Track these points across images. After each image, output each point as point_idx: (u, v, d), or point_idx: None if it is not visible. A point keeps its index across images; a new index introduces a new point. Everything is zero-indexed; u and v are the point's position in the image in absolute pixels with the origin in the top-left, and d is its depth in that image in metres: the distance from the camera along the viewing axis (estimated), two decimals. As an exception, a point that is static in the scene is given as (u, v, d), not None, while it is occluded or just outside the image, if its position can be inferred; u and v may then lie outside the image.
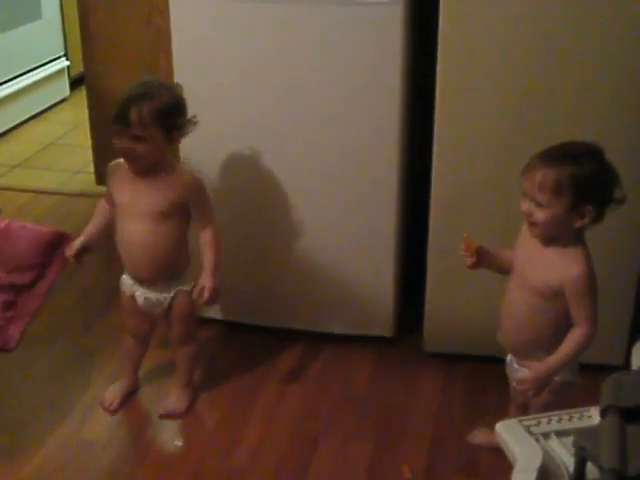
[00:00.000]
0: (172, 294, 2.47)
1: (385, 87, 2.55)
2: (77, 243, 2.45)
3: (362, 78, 2.55)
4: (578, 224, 2.00)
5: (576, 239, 2.04)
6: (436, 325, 2.77)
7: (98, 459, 2.41)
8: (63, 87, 5.25)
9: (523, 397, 2.21)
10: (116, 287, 3.20)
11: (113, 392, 2.62)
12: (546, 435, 1.64)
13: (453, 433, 2.50)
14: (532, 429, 1.65)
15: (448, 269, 2.67)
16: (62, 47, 5.19)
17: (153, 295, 2.48)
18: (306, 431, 2.52)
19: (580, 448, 1.44)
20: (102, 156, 3.85)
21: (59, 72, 5.19)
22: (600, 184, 1.98)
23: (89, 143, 3.89)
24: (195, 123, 2.41)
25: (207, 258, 2.42)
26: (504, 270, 2.21)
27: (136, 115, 2.28)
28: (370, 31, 2.50)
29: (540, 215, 2.00)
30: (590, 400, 1.74)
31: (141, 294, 2.49)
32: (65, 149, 4.61)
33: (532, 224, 2.04)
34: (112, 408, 2.58)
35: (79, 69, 4.70)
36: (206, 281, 2.39)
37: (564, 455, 1.58)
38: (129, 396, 2.64)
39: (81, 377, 2.75)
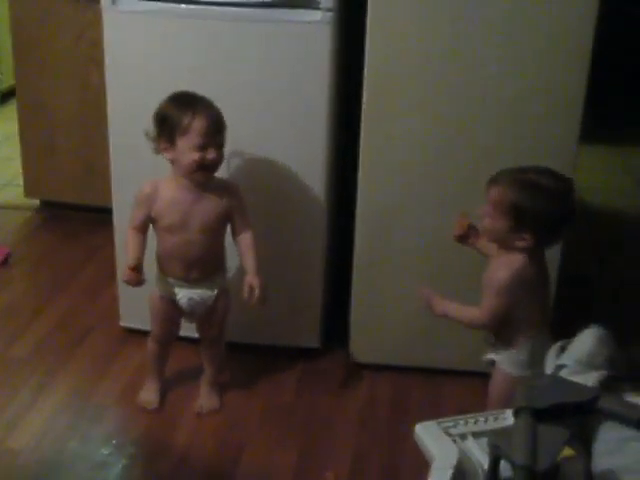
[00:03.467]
0: (215, 292, 2.55)
1: (313, 103, 2.62)
2: (133, 260, 2.46)
3: (291, 94, 2.61)
4: (517, 244, 2.14)
5: (519, 250, 2.16)
6: (361, 336, 2.83)
7: (24, 467, 2.41)
8: (-8, 100, 5.21)
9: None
10: (42, 301, 3.22)
11: (148, 394, 2.70)
12: (463, 436, 1.69)
13: (377, 441, 2.56)
14: (450, 430, 1.70)
15: (373, 281, 2.73)
16: (-8, 60, 5.15)
17: (197, 294, 2.54)
18: (232, 440, 2.55)
19: (494, 447, 1.50)
20: (31, 169, 3.85)
21: (-12, 85, 5.15)
22: (544, 221, 2.12)
23: (19, 156, 3.88)
24: None
25: (250, 259, 2.51)
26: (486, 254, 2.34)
27: (222, 122, 2.42)
28: (300, 48, 2.56)
29: (486, 222, 2.17)
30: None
31: (184, 295, 2.54)
32: (-7, 162, 4.57)
33: (482, 228, 2.22)
34: (153, 407, 2.68)
35: (9, 82, 4.68)
36: (254, 280, 2.47)
37: (479, 455, 1.63)
38: (165, 394, 2.72)
39: (7, 387, 2.74)
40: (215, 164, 2.43)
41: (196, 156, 2.39)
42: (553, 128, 2.53)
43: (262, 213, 2.73)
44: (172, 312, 2.59)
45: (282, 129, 2.67)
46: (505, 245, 2.17)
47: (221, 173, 2.55)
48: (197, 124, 2.37)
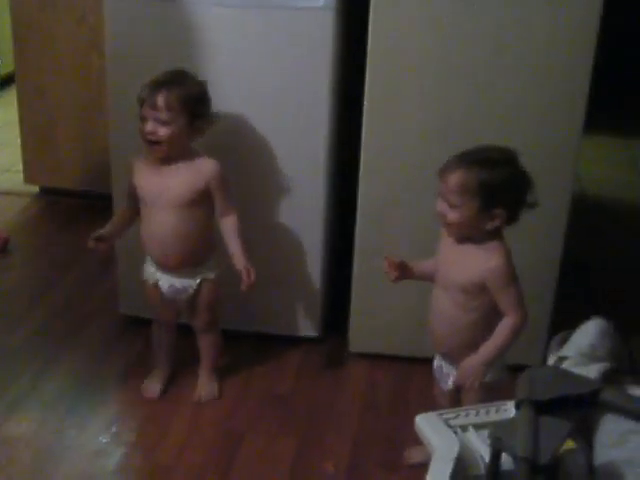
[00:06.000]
0: (197, 281, 2.53)
1: (315, 90, 2.60)
2: (98, 232, 2.49)
3: (293, 80, 2.60)
4: (489, 225, 2.07)
5: (492, 235, 2.11)
6: (361, 326, 2.82)
7: (21, 455, 2.40)
8: (-8, 86, 5.20)
9: (447, 401, 2.28)
10: (41, 288, 3.21)
11: (152, 383, 2.68)
12: (464, 427, 1.68)
13: (376, 431, 2.55)
14: (450, 422, 1.69)
15: (373, 271, 2.71)
16: (-8, 45, 5.13)
17: (178, 282, 2.52)
18: (232, 428, 2.54)
19: (496, 439, 1.49)
20: (31, 155, 3.85)
21: (-12, 71, 5.13)
22: (510, 189, 2.06)
23: (18, 142, 3.87)
24: (217, 118, 2.48)
25: (237, 243, 2.47)
26: (427, 277, 2.28)
27: (164, 99, 2.35)
28: (301, 35, 2.54)
29: (452, 216, 2.08)
30: (509, 398, 1.80)
31: (165, 281, 2.53)
32: (-7, 148, 4.57)
33: (447, 224, 2.12)
34: (154, 396, 2.65)
35: (9, 68, 4.66)
36: (245, 263, 2.43)
37: (481, 446, 1.62)
38: (169, 383, 2.70)
39: (6, 374, 2.73)
40: (157, 139, 2.38)
41: (140, 126, 2.39)
42: (557, 120, 2.51)
43: (261, 200, 2.72)
44: (158, 296, 2.57)
45: (283, 116, 2.65)
46: (475, 232, 2.10)
47: (218, 157, 2.54)
48: (141, 95, 2.38)
